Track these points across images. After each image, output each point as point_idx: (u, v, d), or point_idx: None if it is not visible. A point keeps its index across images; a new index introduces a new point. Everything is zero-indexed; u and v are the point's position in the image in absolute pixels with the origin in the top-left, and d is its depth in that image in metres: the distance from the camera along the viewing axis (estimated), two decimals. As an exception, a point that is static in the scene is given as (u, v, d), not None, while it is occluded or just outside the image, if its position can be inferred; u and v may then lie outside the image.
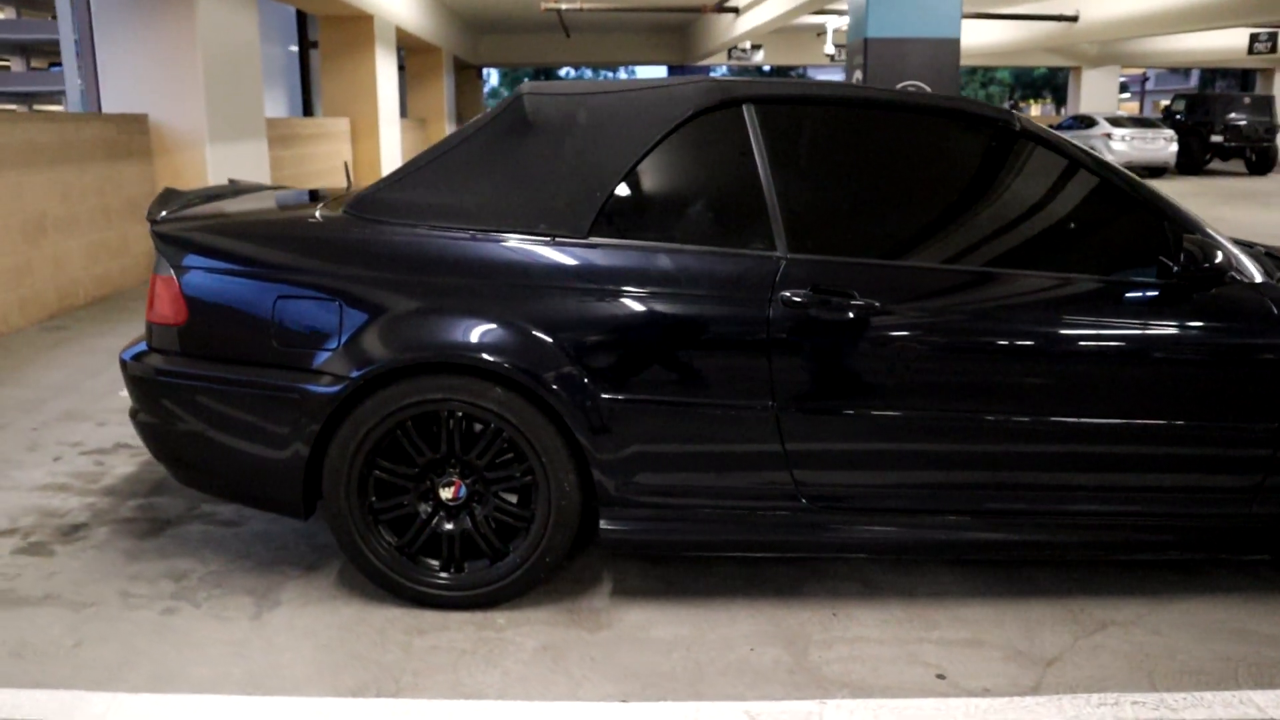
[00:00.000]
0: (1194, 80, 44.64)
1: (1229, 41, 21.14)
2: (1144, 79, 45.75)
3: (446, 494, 2.51)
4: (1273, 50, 19.11)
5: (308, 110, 15.47)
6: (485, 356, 2.36)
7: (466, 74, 24.56)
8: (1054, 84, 39.32)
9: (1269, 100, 21.17)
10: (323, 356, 2.42)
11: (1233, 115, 20.65)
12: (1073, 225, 2.61)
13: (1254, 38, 19.24)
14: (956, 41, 7.87)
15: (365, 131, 13.29)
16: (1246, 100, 21.22)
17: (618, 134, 2.52)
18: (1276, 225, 11.71)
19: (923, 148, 2.66)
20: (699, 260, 2.45)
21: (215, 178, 7.49)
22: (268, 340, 2.46)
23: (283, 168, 9.69)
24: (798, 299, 2.40)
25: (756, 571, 2.79)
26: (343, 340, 2.41)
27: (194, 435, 2.56)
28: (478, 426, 2.49)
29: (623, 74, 43.58)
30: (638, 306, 2.42)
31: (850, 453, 2.48)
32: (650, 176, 2.51)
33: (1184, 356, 2.48)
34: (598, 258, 2.44)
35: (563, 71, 44.49)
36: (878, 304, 2.42)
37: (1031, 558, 2.83)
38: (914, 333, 2.43)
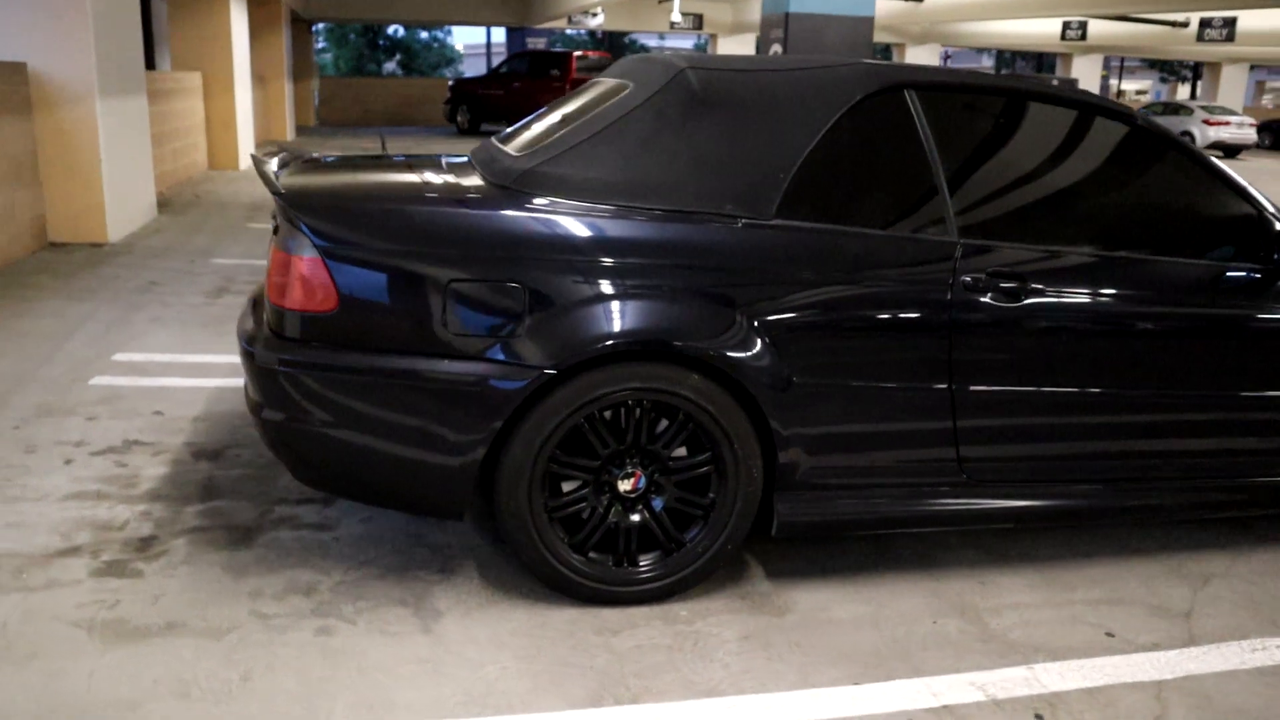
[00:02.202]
0: (989, 60, 48.19)
1: (1044, 28, 22.98)
2: (946, 56, 48.95)
3: (625, 486, 2.41)
4: (1082, 38, 20.98)
5: (150, 64, 14.02)
6: (688, 343, 2.27)
7: (299, 28, 22.98)
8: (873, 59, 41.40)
9: (1073, 83, 23.19)
10: (504, 347, 2.25)
11: (1043, 96, 22.45)
12: (1191, 214, 2.79)
13: (1066, 25, 21.05)
14: (871, 20, 8.14)
15: (219, 89, 12.23)
16: (1055, 82, 23.14)
17: (789, 115, 2.47)
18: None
19: (1066, 138, 2.76)
20: (885, 244, 2.44)
21: (107, 137, 6.68)
22: (437, 329, 2.26)
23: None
24: (977, 282, 2.46)
25: (885, 548, 2.85)
26: (527, 328, 2.25)
27: (336, 434, 2.32)
28: (638, 411, 2.39)
29: (437, 32, 41.99)
30: (829, 289, 2.39)
31: (1013, 428, 2.57)
32: (826, 159, 2.47)
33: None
34: (787, 240, 2.39)
35: (390, 30, 42.48)
36: (1043, 287, 2.51)
37: (1148, 520, 3.04)
38: (1074, 316, 2.54)
